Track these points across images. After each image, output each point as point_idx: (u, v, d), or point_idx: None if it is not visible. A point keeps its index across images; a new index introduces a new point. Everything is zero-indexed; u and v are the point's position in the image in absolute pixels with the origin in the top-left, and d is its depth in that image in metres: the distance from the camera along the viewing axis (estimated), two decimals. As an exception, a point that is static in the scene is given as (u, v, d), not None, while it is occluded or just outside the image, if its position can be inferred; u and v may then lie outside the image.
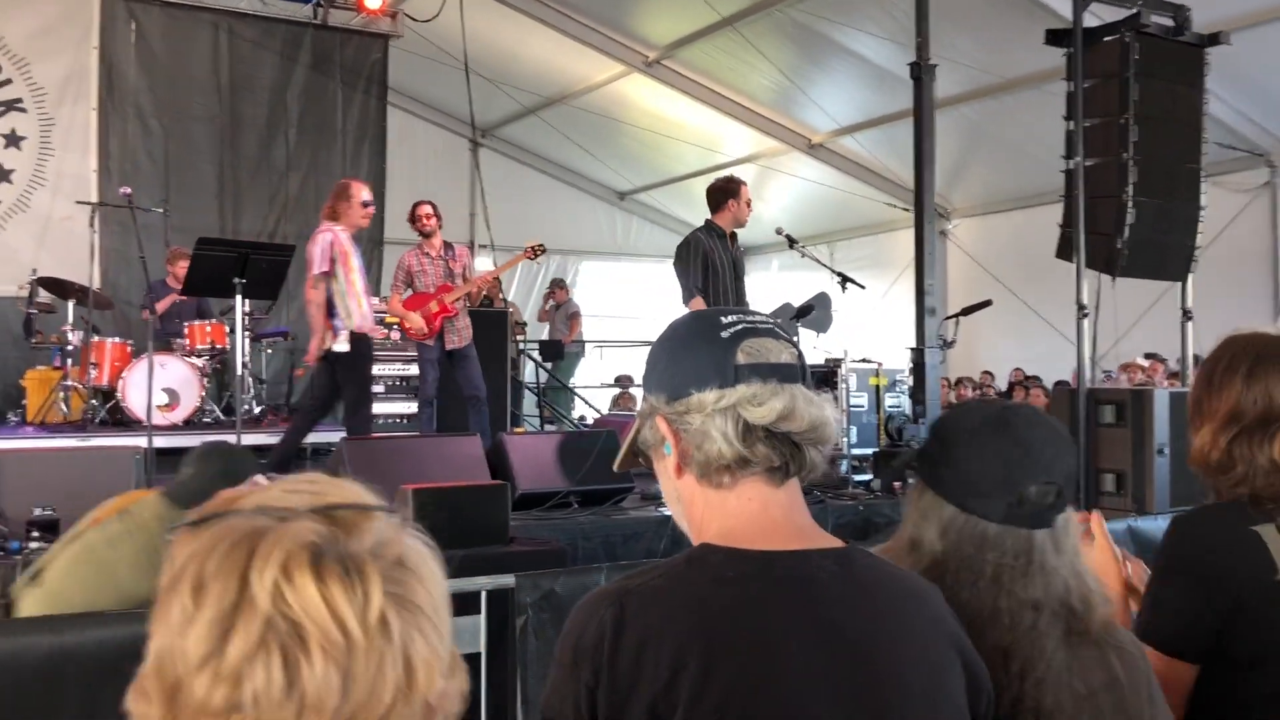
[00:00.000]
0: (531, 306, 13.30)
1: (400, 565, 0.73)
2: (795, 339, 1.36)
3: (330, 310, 6.15)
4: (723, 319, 1.33)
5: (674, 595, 1.22)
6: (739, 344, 1.29)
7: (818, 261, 7.43)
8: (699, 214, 14.81)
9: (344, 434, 6.14)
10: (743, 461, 1.28)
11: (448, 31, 9.82)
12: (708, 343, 1.31)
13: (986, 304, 6.89)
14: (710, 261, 6.38)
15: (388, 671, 0.69)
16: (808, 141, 12.02)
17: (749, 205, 6.55)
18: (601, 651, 1.19)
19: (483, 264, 12.13)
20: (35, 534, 4.37)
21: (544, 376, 11.13)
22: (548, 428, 9.70)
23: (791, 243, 6.80)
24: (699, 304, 6.12)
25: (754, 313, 1.36)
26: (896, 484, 5.76)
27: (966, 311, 6.74)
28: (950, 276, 11.45)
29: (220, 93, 9.83)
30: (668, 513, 5.64)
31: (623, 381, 12.97)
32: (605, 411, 11.56)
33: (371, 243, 10.39)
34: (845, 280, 6.25)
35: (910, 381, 6.21)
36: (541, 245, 8.21)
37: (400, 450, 6.12)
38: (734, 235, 6.68)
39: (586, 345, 12.87)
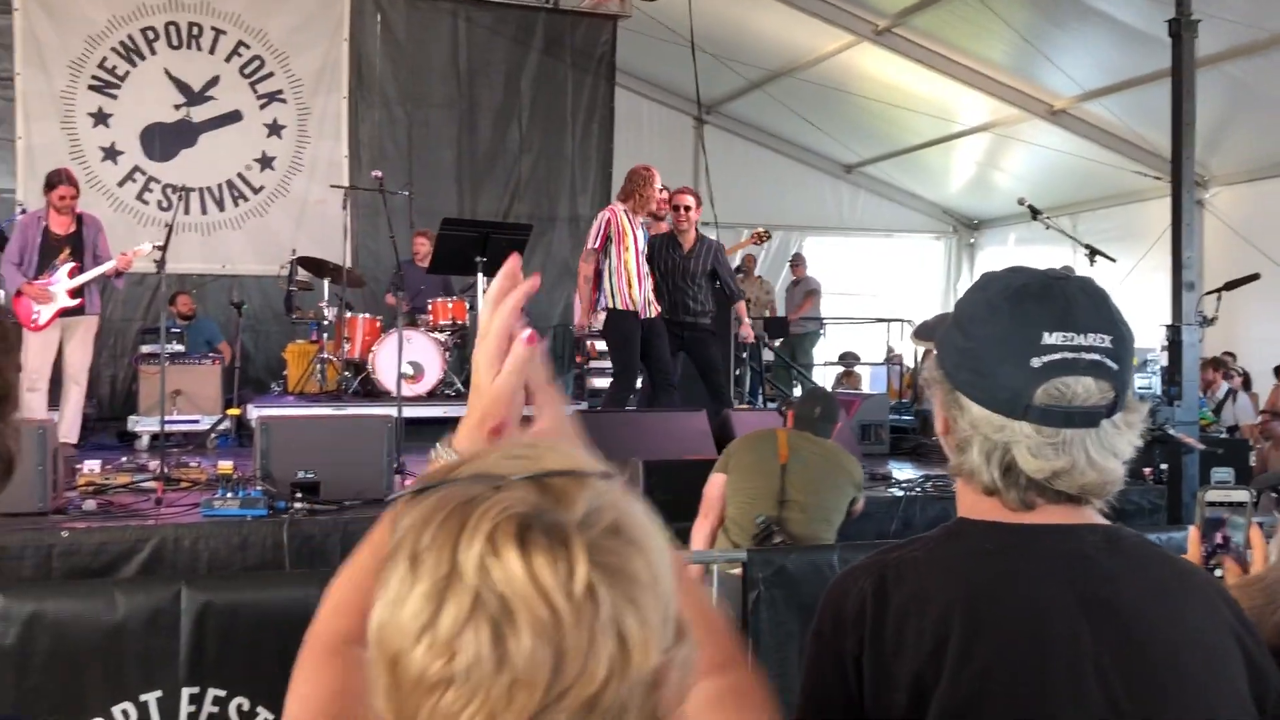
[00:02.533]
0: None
1: (614, 534, 0.71)
2: (1122, 371, 1.17)
3: (599, 285, 6.44)
4: (1046, 337, 1.17)
5: (934, 566, 1.21)
6: (1046, 380, 1.16)
7: (1062, 233, 7.04)
8: (930, 186, 14.36)
9: (575, 407, 6.33)
10: (992, 492, 1.22)
11: (674, 9, 9.86)
12: (1014, 359, 1.17)
13: (1253, 278, 6.36)
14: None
15: (600, 645, 0.67)
16: (1048, 107, 11.40)
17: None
18: (864, 621, 1.20)
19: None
20: (299, 495, 4.71)
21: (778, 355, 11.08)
22: (770, 405, 9.65)
23: (1035, 214, 6.46)
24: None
25: (1089, 331, 1.18)
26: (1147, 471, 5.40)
27: (1230, 286, 6.24)
28: (1207, 249, 10.61)
29: (459, 79, 10.25)
30: (898, 494, 5.52)
31: (847, 360, 12.73)
32: (830, 390, 11.39)
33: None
34: (1094, 253, 5.89)
35: (1163, 361, 5.80)
36: (767, 230, 8.26)
37: (628, 424, 6.25)
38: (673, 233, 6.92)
39: (816, 323, 12.63)
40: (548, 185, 10.60)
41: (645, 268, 6.74)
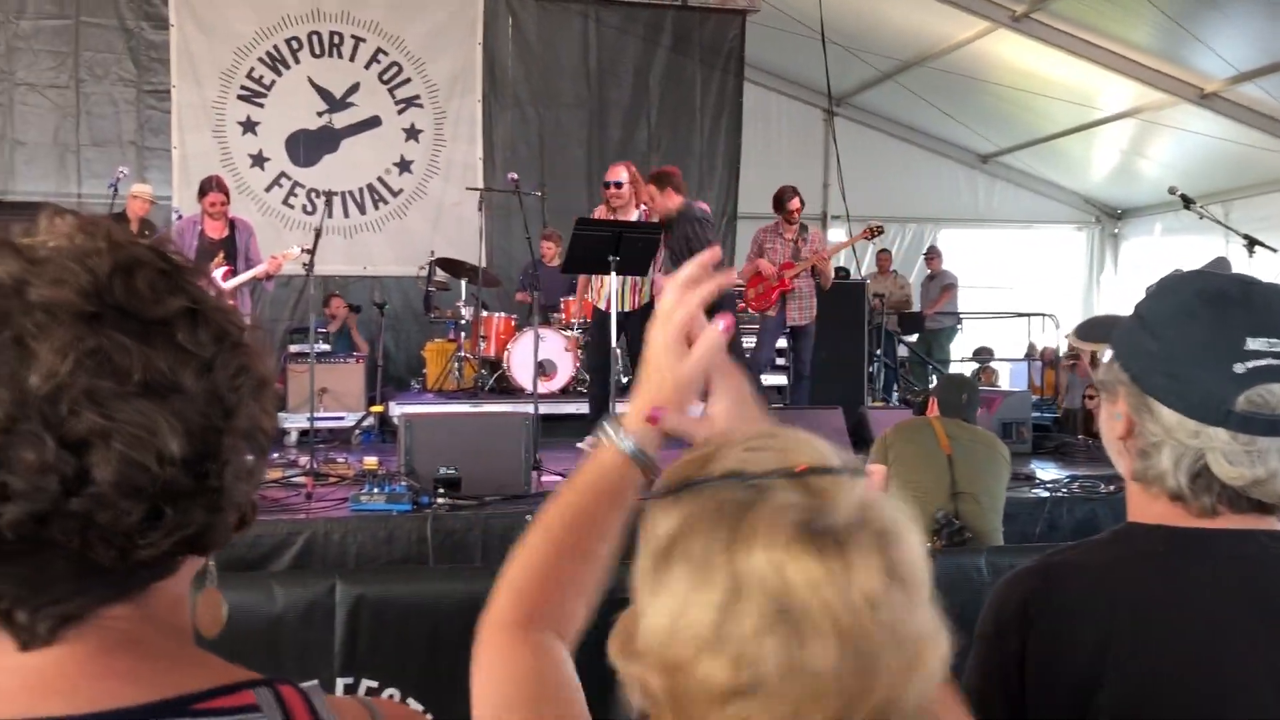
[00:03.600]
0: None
1: (884, 535, 0.70)
2: None
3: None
4: (1249, 343, 1.13)
5: (1101, 569, 1.21)
6: (1250, 387, 1.12)
7: (1217, 222, 6.70)
8: (1070, 175, 13.90)
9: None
10: (1177, 498, 1.18)
11: (804, 1, 9.76)
12: (1215, 365, 1.14)
13: None
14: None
15: (890, 649, 0.68)
16: (1198, 91, 10.87)
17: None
18: (1027, 623, 1.20)
19: (835, 235, 12.04)
20: (441, 490, 4.83)
21: (911, 352, 10.88)
22: (904, 403, 9.48)
23: (1187, 203, 6.17)
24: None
25: None
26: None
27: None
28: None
29: (589, 79, 10.35)
30: (1043, 495, 5.33)
31: (982, 355, 12.40)
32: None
33: (724, 218, 10.60)
34: (1253, 243, 5.59)
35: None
36: (879, 225, 8.16)
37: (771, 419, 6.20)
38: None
39: (953, 318, 12.33)
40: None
41: None
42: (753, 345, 7.73)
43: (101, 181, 8.84)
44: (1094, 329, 1.31)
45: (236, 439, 0.71)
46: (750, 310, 7.77)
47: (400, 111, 9.99)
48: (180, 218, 8.41)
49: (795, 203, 7.51)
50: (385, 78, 9.93)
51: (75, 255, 0.66)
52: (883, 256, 12.03)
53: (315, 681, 0.75)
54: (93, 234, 0.68)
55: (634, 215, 6.81)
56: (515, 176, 7.67)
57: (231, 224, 7.24)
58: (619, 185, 6.75)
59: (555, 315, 8.59)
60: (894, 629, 0.68)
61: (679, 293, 1.04)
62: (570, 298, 8.52)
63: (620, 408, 6.09)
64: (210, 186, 7.16)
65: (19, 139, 9.31)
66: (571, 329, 8.32)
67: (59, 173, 9.35)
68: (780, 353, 7.96)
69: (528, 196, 8.42)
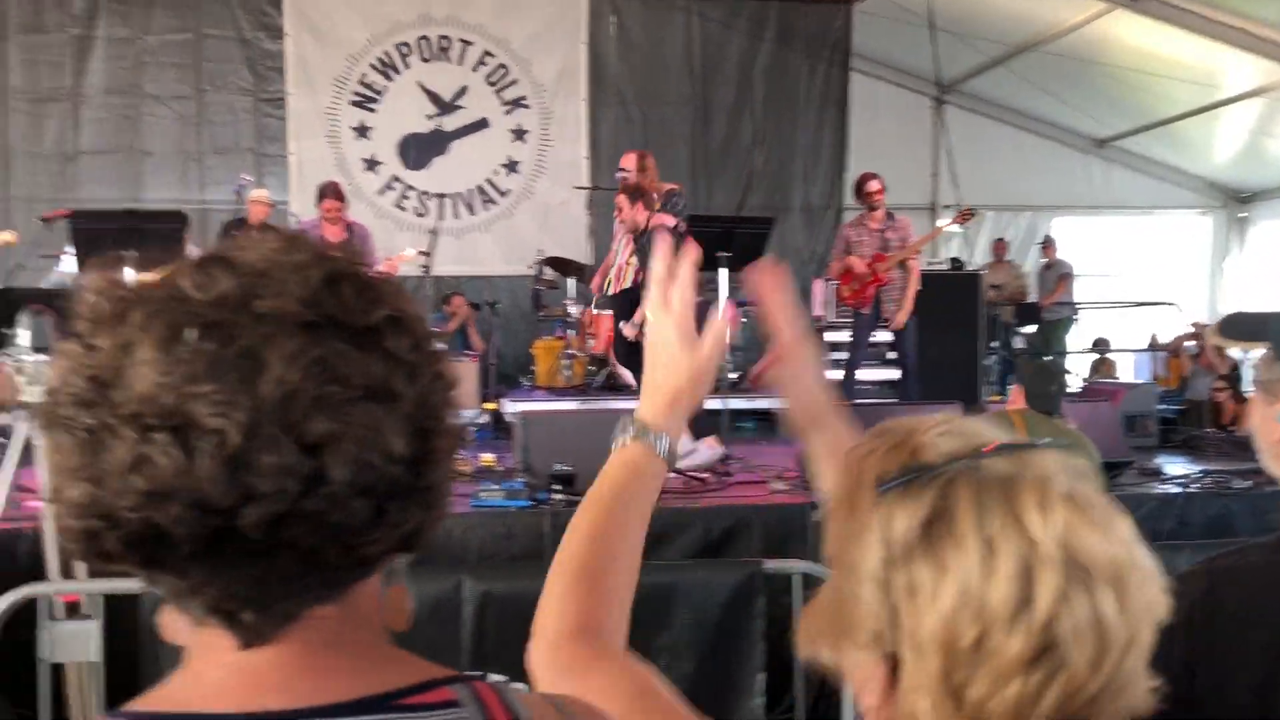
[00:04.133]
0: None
1: (1100, 496, 0.76)
2: None
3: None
4: None
5: (1266, 571, 1.18)
6: None
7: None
8: (1192, 159, 13.39)
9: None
10: None
11: (911, -12, 9.59)
12: None
13: None
14: None
15: (1144, 603, 0.73)
16: (1333, 66, 10.36)
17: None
18: (1193, 630, 1.17)
19: (941, 222, 11.80)
20: (557, 487, 4.87)
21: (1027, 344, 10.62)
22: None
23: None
24: None
25: None
26: None
27: None
28: None
29: (692, 76, 10.35)
30: (1173, 491, 5.15)
31: (1100, 346, 12.02)
32: (1085, 378, 10.79)
33: (830, 211, 10.49)
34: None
35: None
36: (971, 210, 7.99)
37: (879, 416, 6.12)
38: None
39: (1070, 309, 11.98)
40: (781, 176, 10.56)
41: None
42: (848, 341, 7.66)
43: (223, 188, 9.16)
44: (1240, 326, 1.27)
45: (442, 439, 0.73)
46: (846, 305, 7.67)
47: (507, 113, 10.12)
48: (299, 222, 8.66)
49: (873, 185, 7.35)
50: (492, 79, 10.07)
51: (288, 268, 0.69)
52: (998, 245, 11.75)
53: (504, 677, 0.76)
54: (297, 247, 0.71)
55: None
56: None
57: (349, 228, 7.42)
58: (624, 173, 6.77)
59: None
60: (1145, 583, 0.73)
61: (663, 287, 1.07)
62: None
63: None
64: (326, 192, 7.36)
65: (146, 149, 9.71)
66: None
67: (183, 180, 9.72)
68: (891, 346, 7.83)
69: (634, 194, 8.44)
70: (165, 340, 0.65)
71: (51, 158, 9.59)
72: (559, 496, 4.78)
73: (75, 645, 3.01)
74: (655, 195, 6.59)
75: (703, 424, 6.12)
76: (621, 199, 6.62)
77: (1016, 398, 4.32)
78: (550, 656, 0.97)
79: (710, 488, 5.27)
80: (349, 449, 0.66)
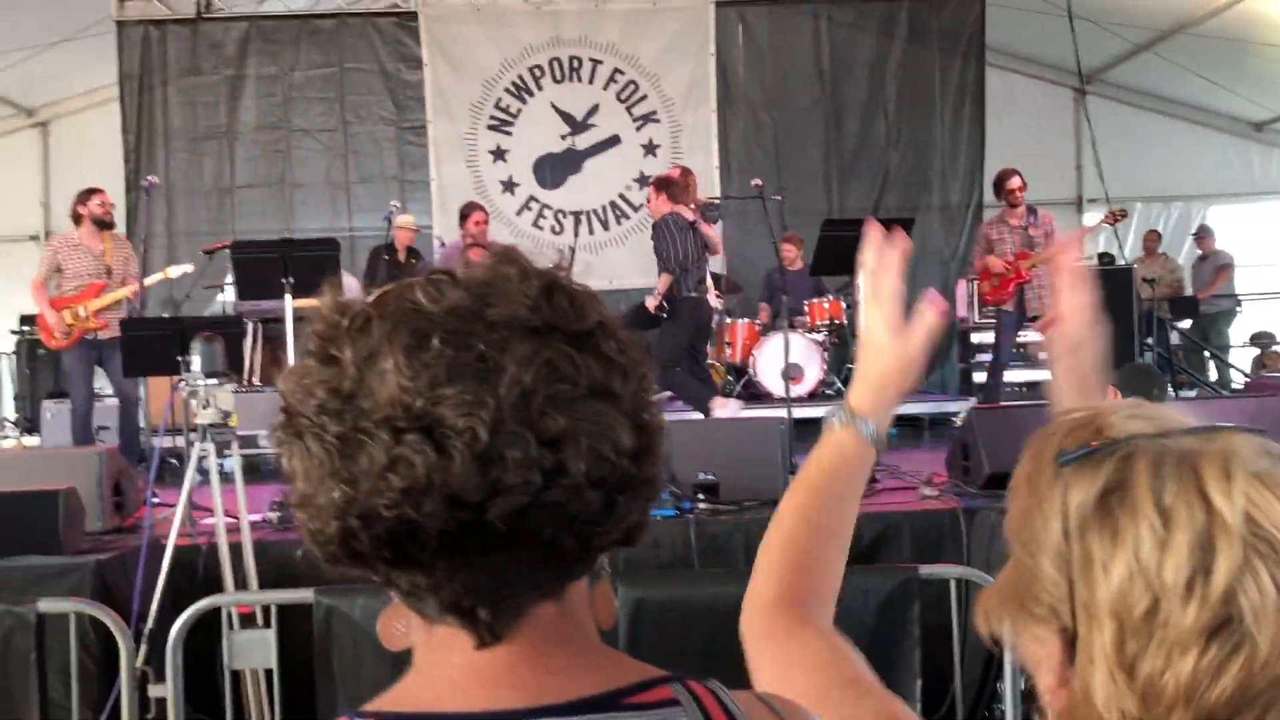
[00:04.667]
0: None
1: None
2: None
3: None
4: None
5: None
6: None
7: None
8: (1364, 137, 12.35)
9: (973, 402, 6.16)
10: None
11: (1047, -23, 9.32)
12: None
13: None
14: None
15: None
16: None
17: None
18: None
19: (1090, 219, 11.38)
20: (701, 496, 4.89)
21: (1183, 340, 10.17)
22: (1184, 394, 8.84)
23: None
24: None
25: None
26: None
27: None
28: None
29: (822, 79, 10.27)
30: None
31: (1262, 340, 11.40)
32: (1249, 373, 10.26)
33: (969, 209, 10.25)
34: None
35: None
36: (1122, 210, 7.73)
37: (1028, 418, 5.95)
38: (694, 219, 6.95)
39: (1231, 300, 11.40)
40: (916, 176, 10.38)
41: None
42: (992, 343, 7.48)
43: (370, 215, 9.52)
44: None
45: (656, 435, 0.77)
46: (987, 304, 7.50)
47: (638, 128, 10.23)
48: (443, 245, 8.92)
49: (1014, 181, 7.22)
50: (623, 96, 10.20)
51: (509, 280, 0.74)
52: (1150, 237, 11.27)
53: (717, 681, 0.78)
54: (511, 261, 0.76)
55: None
56: (759, 183, 7.69)
57: (491, 248, 7.63)
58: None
59: (800, 318, 8.54)
60: None
61: (872, 278, 1.11)
62: (816, 300, 8.47)
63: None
64: (474, 208, 7.63)
65: (297, 181, 10.17)
66: (818, 331, 8.26)
67: (332, 209, 10.14)
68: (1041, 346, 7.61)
69: (767, 201, 8.41)
70: (410, 348, 0.70)
71: (210, 193, 10.12)
72: (703, 505, 4.81)
73: (254, 653, 3.17)
74: (686, 193, 7.08)
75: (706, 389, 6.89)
76: (650, 190, 7.22)
77: (1114, 398, 4.13)
78: (754, 623, 1.02)
79: (858, 494, 5.21)
80: (584, 443, 0.71)
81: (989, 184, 10.22)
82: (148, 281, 6.90)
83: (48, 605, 3.17)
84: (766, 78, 10.25)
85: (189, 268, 7.33)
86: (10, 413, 10.47)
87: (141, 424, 6.81)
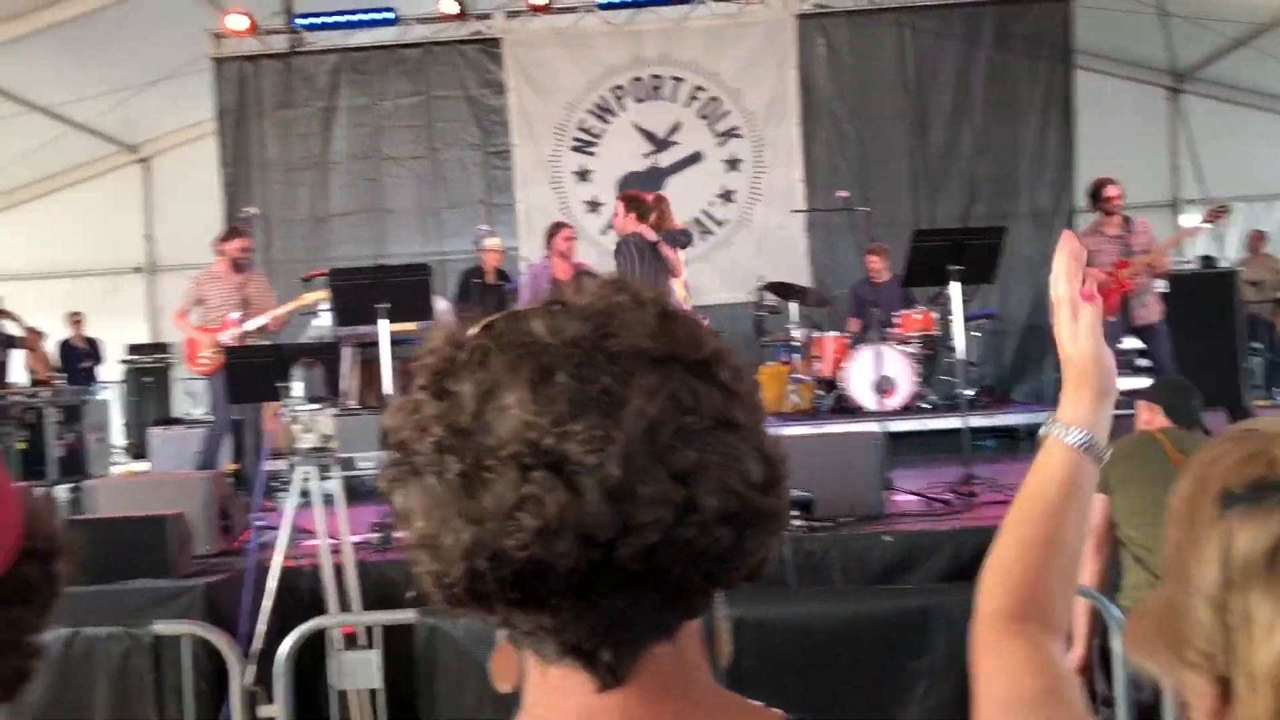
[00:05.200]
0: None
1: None
2: None
3: None
4: None
5: None
6: None
7: None
8: None
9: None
10: None
11: (1137, -24, 9.10)
12: None
13: None
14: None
15: None
16: None
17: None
18: None
19: (1187, 221, 11.04)
20: (795, 513, 4.85)
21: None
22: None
23: None
24: None
25: None
26: None
27: None
28: None
29: (906, 88, 10.15)
30: None
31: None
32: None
33: (1060, 214, 10.03)
34: None
35: None
36: (1222, 207, 7.43)
37: (1121, 428, 5.79)
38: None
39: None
40: (1005, 182, 10.19)
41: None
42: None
43: (459, 239, 9.67)
44: None
45: (781, 466, 0.75)
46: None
47: (720, 144, 10.23)
48: (529, 266, 9.03)
49: (1111, 190, 7.01)
50: (704, 113, 10.22)
51: (625, 309, 0.72)
52: (1255, 238, 10.89)
53: None
54: (622, 290, 0.74)
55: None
56: (846, 194, 7.65)
57: (576, 269, 7.69)
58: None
59: (891, 330, 8.44)
60: None
61: (1069, 297, 1.11)
62: (907, 311, 8.36)
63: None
64: (561, 226, 7.75)
65: (388, 208, 10.40)
66: (910, 343, 8.14)
67: (422, 234, 10.34)
68: (1142, 353, 7.39)
69: (853, 213, 8.36)
70: (534, 383, 0.68)
71: (305, 222, 10.40)
72: (798, 522, 4.76)
73: (360, 673, 3.23)
74: (654, 214, 6.98)
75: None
76: (619, 205, 7.12)
77: (1152, 416, 3.94)
78: (976, 634, 1.02)
79: (956, 509, 5.13)
80: (715, 476, 0.69)
81: (1080, 188, 10.03)
82: (288, 308, 7.24)
83: (163, 628, 3.28)
84: (849, 89, 10.17)
85: (320, 294, 7.56)
86: (120, 439, 10.85)
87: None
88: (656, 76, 10.24)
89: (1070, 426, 1.07)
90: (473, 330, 0.73)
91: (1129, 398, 7.81)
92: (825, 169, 10.07)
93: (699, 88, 10.21)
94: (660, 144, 10.23)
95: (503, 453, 0.67)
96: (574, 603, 0.69)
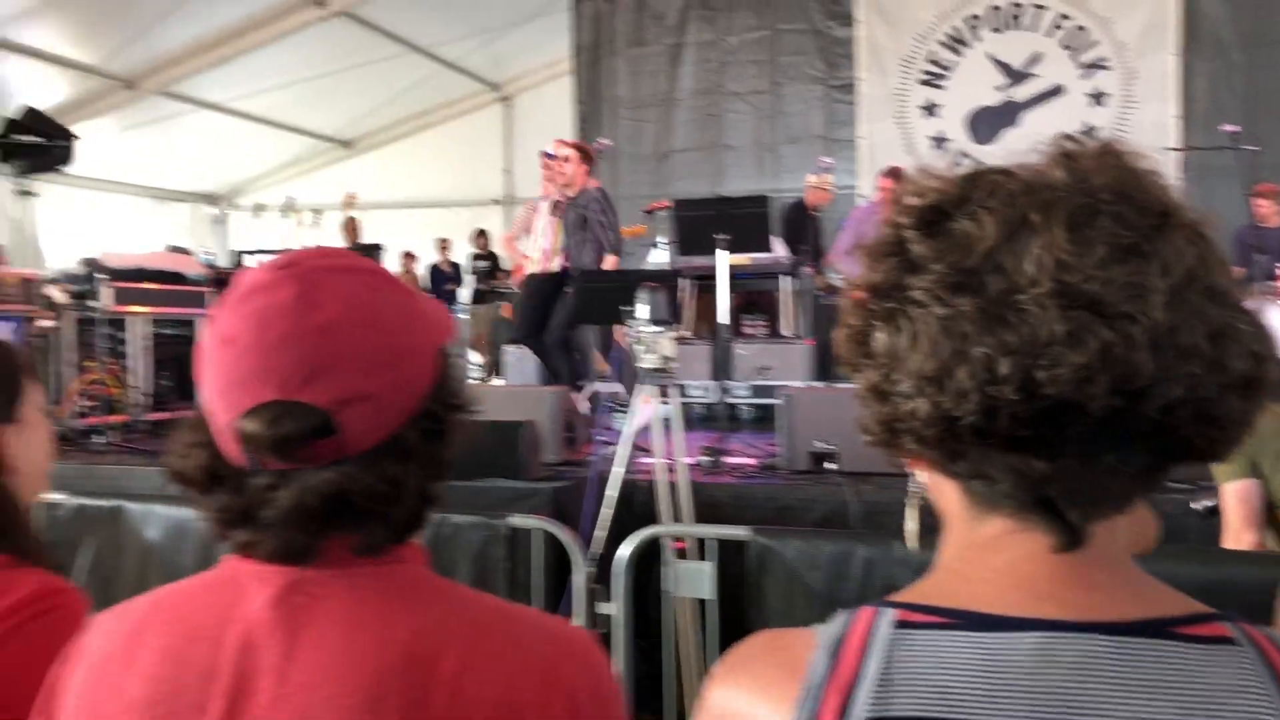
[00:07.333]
0: None
1: None
2: None
3: None
4: None
5: None
6: None
7: None
8: None
9: None
10: None
11: None
12: None
13: None
14: None
15: None
16: None
17: None
18: None
19: None
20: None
21: None
22: None
23: None
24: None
25: None
26: None
27: None
28: None
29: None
30: None
31: None
32: None
33: None
34: None
35: None
36: None
37: None
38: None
39: None
40: None
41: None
42: None
43: (794, 175, 9.60)
44: None
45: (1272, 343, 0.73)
46: None
47: (1083, 76, 9.50)
48: (867, 203, 8.84)
49: None
50: (1069, 43, 9.51)
51: (1135, 172, 0.72)
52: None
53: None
54: (1107, 151, 0.73)
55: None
56: (1235, 128, 6.84)
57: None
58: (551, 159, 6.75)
59: (1270, 284, 7.55)
60: None
61: None
62: None
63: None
64: (886, 173, 7.46)
65: (727, 143, 10.50)
66: None
67: (758, 170, 10.37)
68: None
69: (1239, 152, 7.50)
70: (1071, 225, 0.68)
71: (649, 157, 10.72)
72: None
73: (694, 582, 3.33)
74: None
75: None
76: (573, 154, 6.60)
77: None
78: None
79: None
80: (1243, 340, 0.68)
81: None
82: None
83: (518, 521, 3.52)
84: (1241, 12, 9.10)
85: (640, 228, 7.79)
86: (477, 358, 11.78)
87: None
88: (1017, 4, 9.62)
89: None
90: (963, 175, 0.74)
91: None
92: (1208, 103, 9.10)
93: (1064, 15, 9.49)
94: (1017, 76, 9.64)
95: (1036, 290, 0.67)
96: (1078, 450, 0.68)
